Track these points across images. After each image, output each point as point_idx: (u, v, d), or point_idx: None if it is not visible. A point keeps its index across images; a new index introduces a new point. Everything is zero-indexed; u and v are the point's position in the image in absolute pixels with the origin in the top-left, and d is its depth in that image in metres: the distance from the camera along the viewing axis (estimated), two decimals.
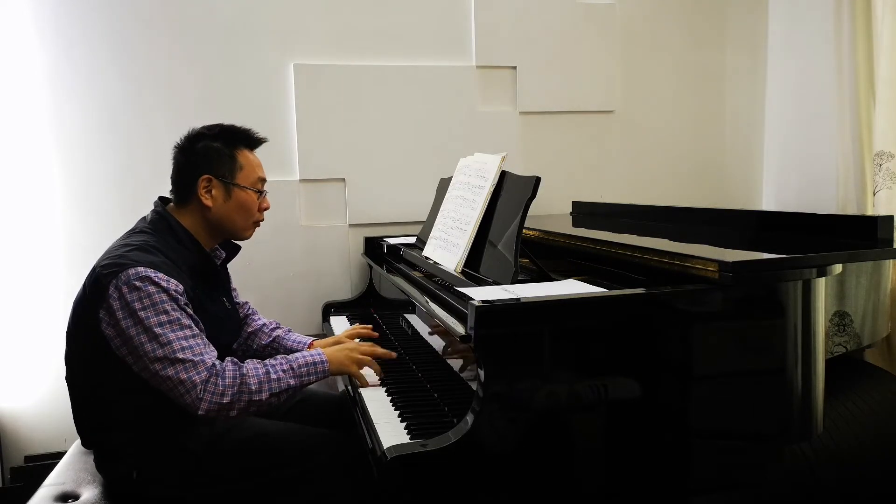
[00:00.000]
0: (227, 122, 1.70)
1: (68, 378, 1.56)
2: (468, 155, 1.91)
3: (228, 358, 1.49)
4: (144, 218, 1.65)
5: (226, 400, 1.42)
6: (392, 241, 2.40)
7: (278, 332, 1.95)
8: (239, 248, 1.80)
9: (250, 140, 1.69)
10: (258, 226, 1.72)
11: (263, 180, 1.70)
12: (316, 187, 2.62)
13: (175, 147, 1.66)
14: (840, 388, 1.86)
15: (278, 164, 2.55)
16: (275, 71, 2.55)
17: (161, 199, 1.68)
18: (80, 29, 2.38)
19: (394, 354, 1.69)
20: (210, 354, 1.45)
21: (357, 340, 1.81)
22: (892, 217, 1.66)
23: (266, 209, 1.72)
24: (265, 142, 1.72)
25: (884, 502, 1.79)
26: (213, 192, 1.61)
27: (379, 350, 1.68)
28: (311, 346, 1.89)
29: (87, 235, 2.40)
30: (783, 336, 1.34)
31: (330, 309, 2.49)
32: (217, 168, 1.62)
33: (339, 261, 2.66)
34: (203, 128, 1.66)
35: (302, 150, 2.57)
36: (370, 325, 1.97)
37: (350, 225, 2.66)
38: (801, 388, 1.36)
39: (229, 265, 1.82)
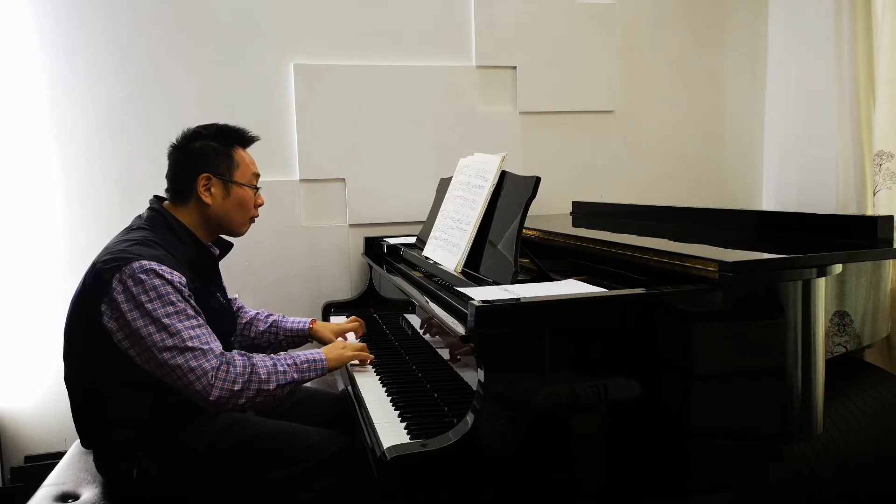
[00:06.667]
0: (226, 122, 1.72)
1: (67, 376, 1.56)
2: (468, 155, 1.92)
3: (235, 350, 1.52)
4: (140, 216, 1.67)
5: (237, 387, 1.44)
6: (392, 241, 2.40)
7: (274, 317, 1.97)
8: (231, 245, 1.81)
9: (244, 139, 1.74)
10: (253, 221, 1.76)
11: (258, 176, 1.75)
12: (316, 187, 2.62)
13: (171, 146, 1.69)
14: (840, 388, 1.86)
15: (278, 164, 2.55)
16: (275, 71, 2.55)
17: (156, 197, 1.70)
18: (81, 29, 2.38)
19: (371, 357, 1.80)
20: (217, 343, 1.48)
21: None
22: (892, 217, 1.66)
23: (261, 205, 1.76)
24: (258, 140, 1.76)
25: (884, 502, 1.79)
26: (213, 189, 1.65)
27: (364, 352, 1.77)
28: (312, 323, 1.95)
29: (87, 235, 2.40)
30: (783, 336, 1.34)
31: (330, 309, 2.49)
32: (215, 166, 1.65)
33: (339, 261, 2.66)
34: (199, 127, 1.69)
35: (302, 150, 2.57)
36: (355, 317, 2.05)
37: (350, 225, 2.66)
38: (801, 388, 1.36)
39: (226, 264, 1.83)
